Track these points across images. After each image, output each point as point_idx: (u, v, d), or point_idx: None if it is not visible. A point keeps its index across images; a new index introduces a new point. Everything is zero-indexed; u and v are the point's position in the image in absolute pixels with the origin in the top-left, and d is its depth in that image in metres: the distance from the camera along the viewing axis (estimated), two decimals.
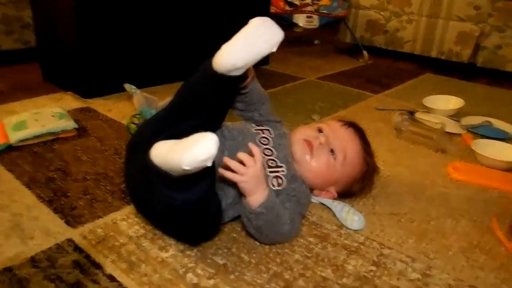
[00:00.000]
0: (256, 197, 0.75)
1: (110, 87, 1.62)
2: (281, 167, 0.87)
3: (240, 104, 0.96)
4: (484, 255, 0.82)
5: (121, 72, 1.65)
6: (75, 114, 1.45)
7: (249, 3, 2.03)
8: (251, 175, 0.74)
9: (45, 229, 0.85)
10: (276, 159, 0.87)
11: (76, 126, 1.30)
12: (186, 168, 0.61)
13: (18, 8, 2.06)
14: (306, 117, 1.48)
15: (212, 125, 0.84)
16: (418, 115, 1.46)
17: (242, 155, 0.75)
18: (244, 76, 0.83)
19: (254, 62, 0.76)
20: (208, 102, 0.80)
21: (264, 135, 0.91)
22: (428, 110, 1.54)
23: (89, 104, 1.57)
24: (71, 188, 1.00)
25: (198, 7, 1.83)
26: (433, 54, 2.31)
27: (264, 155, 0.86)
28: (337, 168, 0.90)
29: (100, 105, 1.56)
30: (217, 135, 0.84)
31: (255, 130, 0.92)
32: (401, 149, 1.27)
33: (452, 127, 1.40)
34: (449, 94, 1.65)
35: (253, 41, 0.74)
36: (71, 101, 1.59)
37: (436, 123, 1.28)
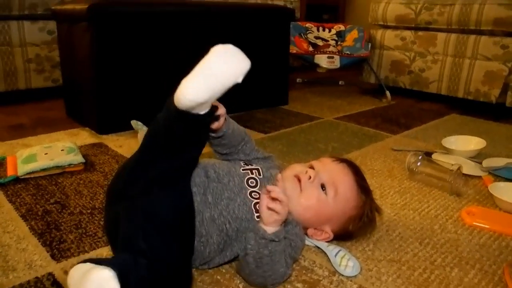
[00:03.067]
0: (273, 227, 0.75)
1: (125, 124, 1.64)
2: None
3: (220, 148, 0.92)
4: None
5: (136, 109, 1.68)
6: (86, 149, 1.48)
7: (269, 44, 2.05)
8: (287, 209, 0.75)
9: (29, 262, 0.84)
10: None
11: (83, 160, 1.31)
12: None
13: (50, 49, 2.18)
14: (316, 157, 1.41)
15: (184, 168, 0.79)
16: (436, 156, 1.39)
17: (276, 189, 0.75)
18: (213, 115, 0.78)
19: (218, 96, 0.69)
20: (176, 143, 0.74)
21: (252, 176, 0.87)
22: (447, 151, 1.45)
23: (102, 140, 1.59)
24: (65, 221, 0.99)
25: None
26: (460, 94, 2.23)
27: (251, 198, 0.83)
28: (329, 204, 0.85)
29: (113, 141, 1.58)
30: (200, 175, 0.83)
31: (243, 170, 0.88)
32: (413, 191, 1.19)
33: (471, 169, 1.31)
34: (473, 135, 1.56)
35: (215, 74, 0.66)
36: (86, 137, 1.63)
37: (452, 164, 1.21)
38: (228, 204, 0.80)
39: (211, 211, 0.78)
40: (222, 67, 0.66)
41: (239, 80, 0.67)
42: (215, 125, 0.83)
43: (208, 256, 0.79)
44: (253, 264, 0.74)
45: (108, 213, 0.85)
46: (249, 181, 0.85)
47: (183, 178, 0.79)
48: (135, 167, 0.79)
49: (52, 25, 2.10)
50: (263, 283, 0.76)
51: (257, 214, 0.80)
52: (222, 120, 0.84)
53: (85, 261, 0.60)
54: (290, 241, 0.80)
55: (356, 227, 0.88)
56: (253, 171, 0.88)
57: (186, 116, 0.69)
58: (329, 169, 0.88)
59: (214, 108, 0.75)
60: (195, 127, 0.73)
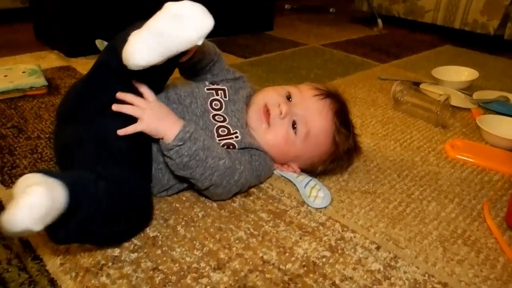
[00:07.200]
0: (170, 132, 0.65)
1: (95, 46, 1.51)
2: (235, 133, 0.75)
3: (186, 71, 0.83)
4: (466, 247, 0.68)
5: (106, 31, 1.54)
6: (52, 72, 1.38)
7: None
8: (150, 111, 0.65)
9: None
10: (228, 126, 0.76)
11: (45, 83, 1.21)
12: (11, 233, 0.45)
13: None
14: (297, 84, 1.34)
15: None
16: (424, 86, 1.31)
17: (128, 96, 0.65)
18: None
19: (174, 55, 0.60)
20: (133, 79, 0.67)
21: (217, 97, 0.78)
22: (436, 81, 1.37)
23: (71, 63, 1.48)
24: (20, 146, 0.92)
25: None
26: (456, 25, 2.10)
27: (214, 121, 0.75)
28: (297, 144, 0.78)
29: (82, 64, 1.47)
30: (160, 96, 0.73)
31: (208, 90, 0.79)
32: (396, 121, 1.12)
33: (460, 100, 1.23)
34: (466, 67, 1.47)
35: (167, 36, 0.56)
36: (54, 60, 1.52)
37: (440, 94, 1.13)
38: None
39: None
40: (175, 31, 0.56)
41: (199, 42, 0.58)
42: (182, 59, 0.73)
43: (167, 184, 0.74)
44: (183, 172, 0.67)
45: (58, 137, 0.77)
46: (213, 103, 0.78)
47: None
48: (87, 88, 0.71)
49: None
50: (215, 188, 0.70)
51: (219, 138, 0.74)
52: (192, 52, 0.73)
53: (37, 171, 0.51)
54: (251, 156, 0.75)
55: (327, 168, 0.82)
56: (219, 91, 0.80)
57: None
58: (307, 106, 0.79)
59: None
60: (151, 74, 0.63)
